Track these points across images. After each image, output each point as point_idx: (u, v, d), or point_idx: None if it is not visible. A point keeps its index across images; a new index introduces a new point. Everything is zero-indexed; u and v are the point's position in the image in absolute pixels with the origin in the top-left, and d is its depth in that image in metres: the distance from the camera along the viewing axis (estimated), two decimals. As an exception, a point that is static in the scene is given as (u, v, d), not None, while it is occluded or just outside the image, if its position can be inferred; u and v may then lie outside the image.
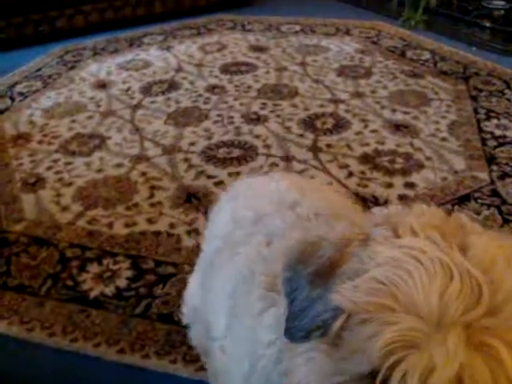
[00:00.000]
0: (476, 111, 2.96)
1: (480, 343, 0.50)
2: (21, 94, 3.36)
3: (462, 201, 2.24)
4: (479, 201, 2.25)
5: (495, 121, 2.86)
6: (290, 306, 0.65)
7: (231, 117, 2.96)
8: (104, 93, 3.31)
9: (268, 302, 0.83)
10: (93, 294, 1.85)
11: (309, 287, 0.62)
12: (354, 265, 0.59)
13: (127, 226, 2.15)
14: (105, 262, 1.98)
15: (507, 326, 0.51)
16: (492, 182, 2.37)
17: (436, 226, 0.59)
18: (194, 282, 1.42)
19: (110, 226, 2.16)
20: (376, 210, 0.67)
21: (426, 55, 3.70)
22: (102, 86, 3.41)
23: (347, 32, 4.18)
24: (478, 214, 2.18)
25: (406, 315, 0.52)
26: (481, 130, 2.77)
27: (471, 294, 0.52)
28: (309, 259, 0.64)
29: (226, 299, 0.98)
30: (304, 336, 0.62)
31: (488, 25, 3.88)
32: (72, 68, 3.72)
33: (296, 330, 0.63)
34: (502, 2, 3.94)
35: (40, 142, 2.79)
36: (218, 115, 2.98)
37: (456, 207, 2.21)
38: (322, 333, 0.61)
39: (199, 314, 1.27)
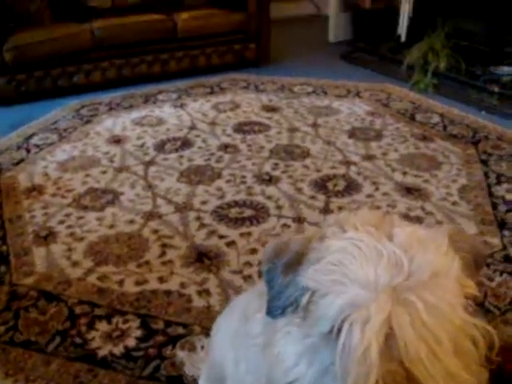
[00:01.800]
0: (486, 175, 2.97)
1: (403, 299, 0.68)
2: (36, 145, 3.42)
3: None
4: (492, 267, 2.23)
5: (505, 185, 2.87)
6: (270, 291, 0.83)
7: (243, 176, 2.98)
8: (118, 148, 3.36)
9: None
10: (101, 353, 1.82)
11: (282, 275, 0.81)
12: (315, 255, 0.78)
13: (138, 283, 2.14)
14: (114, 320, 1.96)
15: (420, 285, 0.69)
16: (504, 248, 2.36)
17: (372, 223, 0.78)
18: None
19: (121, 283, 2.15)
20: (330, 216, 0.80)
21: (436, 118, 3.76)
22: (117, 141, 3.47)
23: (358, 94, 4.27)
24: (491, 280, 2.16)
25: (352, 286, 0.70)
26: (491, 195, 2.78)
27: (396, 266, 0.71)
28: (282, 254, 0.83)
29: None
30: (281, 312, 0.82)
31: (496, 90, 3.96)
32: (88, 122, 3.79)
33: (275, 308, 0.83)
34: (510, 68, 4.03)
35: (53, 195, 2.82)
36: (231, 174, 3.00)
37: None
38: (294, 309, 0.80)
39: None
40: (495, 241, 2.40)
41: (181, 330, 1.90)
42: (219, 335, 1.24)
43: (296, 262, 0.80)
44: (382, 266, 0.71)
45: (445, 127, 3.61)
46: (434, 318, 0.68)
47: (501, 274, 2.20)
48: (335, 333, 0.70)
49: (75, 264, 2.27)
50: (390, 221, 0.81)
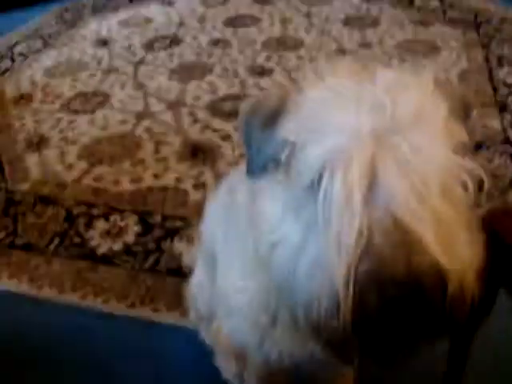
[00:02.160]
0: (487, 59, 2.88)
1: (387, 142, 0.64)
2: (21, 54, 3.30)
3: (474, 149, 2.20)
4: (491, 149, 2.21)
5: (507, 68, 2.79)
6: (248, 151, 0.80)
7: (236, 70, 2.90)
8: (105, 50, 3.25)
9: None
10: (101, 251, 1.83)
11: (260, 132, 0.77)
12: (293, 108, 0.74)
13: (133, 181, 2.13)
14: (112, 218, 1.96)
15: (404, 128, 0.65)
16: (504, 130, 2.32)
17: (353, 70, 0.74)
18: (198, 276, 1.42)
19: (116, 182, 2.13)
20: (307, 68, 0.78)
21: (435, 3, 3.61)
22: (104, 43, 3.35)
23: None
24: (490, 161, 2.13)
25: (333, 133, 0.67)
26: (492, 78, 2.71)
27: (378, 109, 0.66)
28: (258, 110, 0.78)
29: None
30: (262, 170, 0.79)
31: (499, -30, 3.76)
32: (72, 26, 3.64)
33: (255, 166, 0.79)
34: None
35: (42, 102, 2.75)
36: (223, 69, 2.93)
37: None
38: (274, 166, 0.77)
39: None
40: (495, 123, 2.37)
41: (178, 223, 1.91)
42: (209, 215, 1.23)
43: (274, 116, 0.75)
44: (364, 110, 0.66)
45: (444, 12, 3.48)
46: (420, 160, 0.64)
47: (500, 156, 2.17)
48: (316, 182, 0.67)
49: (69, 167, 2.25)
50: (372, 68, 0.75)
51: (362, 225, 0.63)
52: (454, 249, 0.64)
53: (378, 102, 0.67)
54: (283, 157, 0.74)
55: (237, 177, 1.01)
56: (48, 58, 3.20)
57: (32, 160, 2.31)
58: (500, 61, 2.87)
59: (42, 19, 3.78)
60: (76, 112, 2.63)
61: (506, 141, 2.26)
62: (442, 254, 0.61)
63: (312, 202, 0.68)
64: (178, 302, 1.62)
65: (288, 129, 0.73)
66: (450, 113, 0.72)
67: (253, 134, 0.78)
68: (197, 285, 1.41)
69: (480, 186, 0.69)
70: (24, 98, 2.79)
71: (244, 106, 0.82)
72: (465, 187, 0.67)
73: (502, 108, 2.48)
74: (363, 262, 0.62)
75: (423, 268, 0.60)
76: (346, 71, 0.74)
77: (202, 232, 1.29)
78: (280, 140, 0.74)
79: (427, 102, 0.69)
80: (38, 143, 2.41)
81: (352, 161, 0.64)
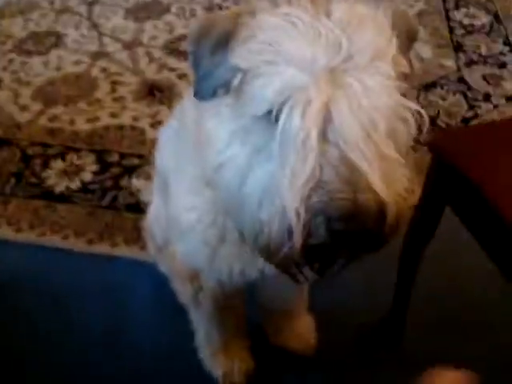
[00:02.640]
0: (445, 0, 2.89)
1: (342, 82, 0.66)
2: (-32, -7, 3.16)
3: (428, 88, 2.24)
4: (445, 87, 2.25)
5: (464, 9, 2.81)
6: (197, 74, 0.78)
7: (193, 9, 2.83)
8: (57, -11, 3.13)
9: None
10: (58, 190, 1.83)
11: (210, 55, 0.75)
12: (246, 32, 0.72)
13: (89, 121, 2.10)
14: (68, 157, 1.95)
15: (359, 68, 0.67)
16: (458, 69, 2.36)
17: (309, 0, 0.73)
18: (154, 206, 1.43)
19: (72, 122, 2.10)
20: None
21: None
22: (56, -18, 3.22)
23: None
24: (444, 99, 2.18)
25: (288, 67, 0.67)
26: (449, 19, 2.72)
27: (334, 47, 0.67)
28: (208, 32, 0.76)
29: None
30: (211, 93, 0.77)
31: None
32: (22, -35, 3.48)
33: (204, 89, 0.78)
34: None
35: (-7, 43, 2.66)
36: (179, 8, 2.85)
37: (422, 93, 2.20)
38: (225, 90, 0.76)
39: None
40: (450, 63, 2.40)
41: (136, 161, 1.91)
42: (161, 142, 1.23)
43: (224, 40, 0.73)
44: (320, 45, 0.67)
45: (403, -48, 3.44)
46: (371, 101, 0.67)
47: (454, 94, 2.22)
48: (273, 116, 0.68)
49: (24, 108, 2.20)
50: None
51: (316, 161, 0.66)
52: (395, 185, 0.69)
53: (333, 38, 0.67)
54: (235, 83, 0.74)
55: (187, 101, 1.01)
56: (-3, -2, 3.07)
57: (-16, 102, 2.25)
58: (457, 2, 2.88)
59: (-11, -43, 3.61)
60: (29, 53, 2.55)
61: (461, 80, 2.30)
62: (384, 191, 0.66)
63: (263, 130, 0.71)
64: (136, 237, 1.65)
65: (240, 55, 0.72)
66: (398, 45, 0.73)
67: (202, 57, 0.76)
68: (153, 215, 1.43)
69: (421, 125, 0.73)
70: (-27, 39, 2.69)
71: (193, 27, 0.80)
72: (407, 126, 0.71)
73: (457, 48, 2.51)
74: (314, 195, 0.66)
75: (367, 204, 0.66)
76: (302, 1, 0.73)
77: (157, 161, 1.30)
78: (231, 65, 0.73)
79: (381, 42, 0.71)
80: (-10, 84, 2.35)
81: (311, 99, 0.66)
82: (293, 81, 0.67)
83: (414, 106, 0.71)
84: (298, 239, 0.67)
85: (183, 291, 1.21)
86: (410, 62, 0.79)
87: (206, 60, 0.76)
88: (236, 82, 0.74)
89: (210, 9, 2.83)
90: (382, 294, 1.38)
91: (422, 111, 0.72)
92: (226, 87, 0.76)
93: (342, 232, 0.67)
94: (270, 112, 0.69)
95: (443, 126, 2.05)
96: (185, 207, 0.97)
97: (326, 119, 0.66)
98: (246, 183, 0.73)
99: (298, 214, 0.66)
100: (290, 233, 0.68)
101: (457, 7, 2.83)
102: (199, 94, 0.80)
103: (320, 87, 0.66)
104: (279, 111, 0.68)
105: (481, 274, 1.44)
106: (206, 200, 0.92)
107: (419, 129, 0.74)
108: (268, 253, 0.74)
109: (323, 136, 0.67)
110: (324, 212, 0.66)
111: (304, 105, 0.66)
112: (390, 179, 0.68)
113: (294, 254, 0.70)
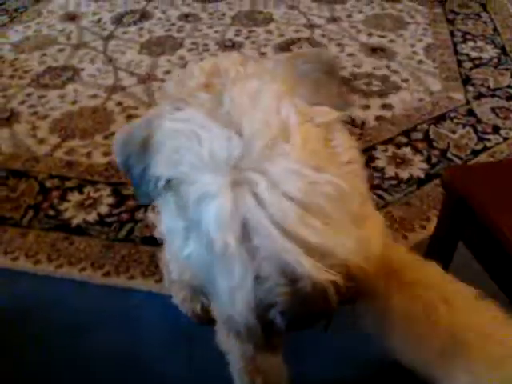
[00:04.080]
0: (452, 34, 2.95)
1: (244, 178, 0.66)
2: (-14, 29, 3.25)
3: (438, 121, 2.27)
4: (455, 120, 2.28)
5: (471, 43, 2.86)
6: (132, 181, 0.81)
7: (206, 44, 2.91)
8: (74, 25, 3.22)
9: None
10: (75, 222, 1.86)
11: (136, 164, 0.78)
12: (157, 139, 0.75)
13: (106, 154, 2.14)
14: (85, 190, 1.98)
15: (258, 157, 0.67)
16: (467, 102, 2.40)
17: (202, 84, 0.78)
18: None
19: (89, 155, 2.15)
20: (167, 83, 0.81)
21: (402, -21, 3.64)
22: (72, 18, 3.31)
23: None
24: (454, 132, 2.20)
25: (197, 174, 0.69)
26: (457, 53, 2.77)
27: (230, 140, 0.68)
28: (129, 143, 0.79)
29: None
30: (147, 197, 0.80)
31: None
32: (38, 1, 3.58)
33: (141, 196, 0.81)
34: None
35: (11, 77, 2.72)
36: (193, 43, 2.93)
37: (432, 127, 2.23)
38: (157, 194, 0.78)
39: None
40: (459, 96, 2.43)
41: (152, 194, 1.93)
42: None
43: (143, 149, 0.77)
44: (216, 146, 0.68)
45: (411, -13, 3.51)
46: (277, 192, 0.66)
47: (463, 127, 2.25)
48: (195, 225, 0.71)
49: (41, 141, 2.25)
50: (221, 68, 0.79)
51: (245, 262, 0.67)
52: (333, 258, 0.67)
53: (227, 132, 0.69)
54: (159, 188, 0.77)
55: None
56: (15, 33, 3.16)
57: (2, 135, 2.31)
58: (464, 36, 2.93)
59: (6, -7, 3.71)
60: (46, 87, 2.62)
61: (470, 112, 2.33)
62: (318, 274, 0.66)
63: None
64: (153, 269, 1.67)
65: (156, 165, 0.75)
66: (315, 89, 0.74)
67: (131, 167, 0.80)
68: (170, 254, 1.45)
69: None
70: (-8, 73, 2.76)
71: (116, 141, 0.84)
72: (328, 198, 0.69)
73: (466, 81, 2.55)
74: (258, 290, 0.68)
75: (306, 291, 0.66)
76: (197, 86, 0.77)
77: None
78: (154, 174, 0.76)
79: (273, 118, 0.70)
80: (9, 118, 2.40)
81: (222, 210, 0.67)
82: (203, 192, 0.69)
83: (327, 177, 0.69)
84: (256, 328, 0.70)
85: (227, 343, 1.19)
86: (339, 95, 0.79)
87: (134, 169, 0.80)
88: (160, 187, 0.76)
89: (222, 43, 2.90)
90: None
91: (336, 180, 0.69)
92: (157, 193, 0.78)
93: (296, 320, 0.69)
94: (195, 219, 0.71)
95: (453, 158, 2.07)
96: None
97: (244, 220, 0.67)
98: (211, 276, 0.73)
99: (249, 307, 0.68)
100: (250, 326, 0.70)
101: (464, 41, 2.88)
102: (141, 199, 0.84)
103: (225, 196, 0.67)
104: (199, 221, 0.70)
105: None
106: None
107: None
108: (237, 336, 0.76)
109: (247, 236, 0.67)
110: (272, 307, 0.68)
111: (216, 219, 0.67)
112: (327, 253, 0.67)
113: (257, 338, 0.72)
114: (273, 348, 0.80)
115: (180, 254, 0.79)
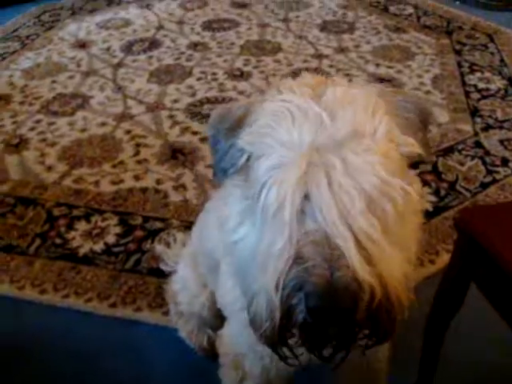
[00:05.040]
0: (459, 65, 2.96)
1: (322, 159, 0.70)
2: (-2, 55, 3.28)
3: (446, 152, 2.27)
4: (463, 152, 2.28)
5: (479, 74, 2.87)
6: (215, 156, 0.85)
7: (214, 73, 2.93)
8: (84, 52, 3.25)
9: None
10: (82, 251, 1.85)
11: (225, 139, 0.82)
12: (252, 118, 0.79)
13: (114, 183, 2.15)
14: (93, 219, 1.98)
15: (341, 145, 0.70)
16: (476, 134, 2.40)
17: (309, 84, 0.80)
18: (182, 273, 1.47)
19: (97, 184, 2.15)
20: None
21: (409, 10, 3.68)
22: (82, 45, 3.34)
23: (329, -13, 4.12)
24: (462, 164, 2.20)
25: (279, 148, 0.72)
26: (464, 84, 2.78)
27: (319, 126, 0.72)
28: (225, 119, 0.83)
29: None
30: (223, 174, 0.83)
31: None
32: (50, 28, 3.62)
33: (218, 171, 0.84)
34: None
35: (21, 104, 2.75)
36: (202, 72, 2.95)
37: (441, 159, 2.23)
38: (234, 171, 0.81)
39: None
40: (467, 128, 2.44)
41: (159, 224, 1.94)
42: (207, 224, 1.23)
43: (236, 126, 0.80)
44: (306, 126, 0.72)
45: (418, 18, 3.55)
46: (352, 180, 0.69)
47: (472, 159, 2.24)
48: (260, 189, 0.73)
49: (50, 169, 2.26)
50: (329, 82, 0.82)
51: (292, 236, 0.69)
52: (379, 265, 0.68)
53: (320, 119, 0.73)
54: (240, 164, 0.80)
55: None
56: (26, 60, 3.19)
57: (11, 161, 2.31)
58: (472, 67, 2.94)
59: (18, 20, 3.76)
60: (55, 114, 2.64)
61: (478, 144, 2.33)
62: (363, 270, 0.66)
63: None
64: (159, 302, 1.66)
65: (245, 138, 0.78)
66: (406, 127, 0.77)
67: (219, 141, 0.83)
68: (179, 281, 1.45)
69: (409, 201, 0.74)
70: (2, 99, 2.78)
71: (213, 114, 0.87)
72: (394, 204, 0.71)
73: (474, 112, 2.55)
74: (293, 270, 0.68)
75: (343, 280, 0.66)
76: (304, 85, 0.79)
77: (194, 234, 1.33)
78: (239, 148, 0.79)
79: (366, 120, 0.74)
80: (18, 145, 2.42)
81: (287, 176, 0.70)
82: (280, 160, 0.72)
83: (400, 182, 0.71)
84: (275, 313, 0.69)
85: (227, 379, 1.18)
86: (424, 143, 0.81)
87: (221, 144, 0.83)
88: (242, 162, 0.79)
89: (230, 73, 2.92)
90: (406, 368, 1.37)
91: (408, 188, 0.72)
92: (235, 168, 0.81)
93: (319, 310, 0.67)
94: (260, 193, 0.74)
95: (462, 191, 2.06)
96: (226, 289, 1.00)
97: (306, 198, 0.69)
98: (253, 260, 0.75)
99: (277, 285, 0.68)
100: (272, 307, 0.70)
101: (471, 71, 2.89)
102: (216, 175, 0.86)
103: (297, 165, 0.69)
104: (264, 184, 0.72)
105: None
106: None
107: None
108: (254, 326, 0.75)
109: (303, 213, 0.70)
110: (302, 288, 0.67)
111: (280, 182, 0.70)
112: (374, 259, 0.68)
113: (274, 330, 0.71)
114: (285, 358, 0.80)
115: (230, 238, 0.81)
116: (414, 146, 0.77)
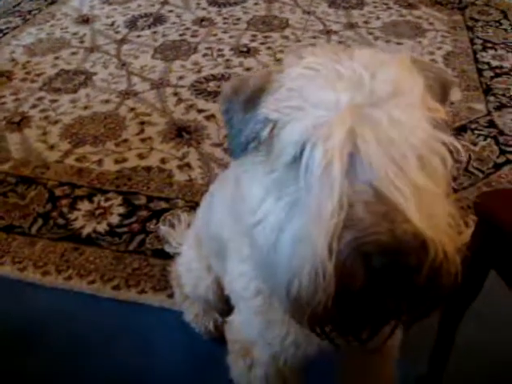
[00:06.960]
0: (472, 42, 2.89)
1: (366, 115, 0.65)
2: (0, 30, 3.22)
3: (459, 132, 2.21)
4: (476, 132, 2.22)
5: (492, 51, 2.80)
6: (230, 131, 0.79)
7: (221, 49, 2.88)
8: (87, 28, 3.19)
9: None
10: (85, 232, 1.82)
11: (242, 112, 0.76)
12: (274, 87, 0.73)
13: (117, 162, 2.11)
14: (96, 199, 1.94)
15: (383, 101, 0.66)
16: (489, 113, 2.33)
17: (331, 50, 0.74)
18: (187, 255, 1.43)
19: (100, 162, 2.11)
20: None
21: (421, -16, 3.59)
22: (85, 20, 3.28)
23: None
24: (475, 144, 2.14)
25: (313, 109, 0.67)
26: (477, 61, 2.71)
27: (357, 84, 0.67)
28: (240, 91, 0.77)
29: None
30: (242, 150, 0.77)
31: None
32: (52, 3, 3.56)
33: (236, 147, 0.78)
34: None
35: (23, 80, 2.70)
36: (207, 48, 2.90)
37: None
38: (256, 144, 0.75)
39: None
40: (480, 106, 2.37)
41: (163, 204, 1.89)
42: (214, 207, 1.18)
43: (256, 96, 0.75)
44: (342, 85, 0.67)
45: (430, -7, 3.46)
46: (399, 133, 0.65)
47: (485, 139, 2.19)
48: (298, 156, 0.68)
49: (52, 147, 2.21)
50: (351, 49, 0.76)
51: (342, 195, 0.63)
52: (434, 219, 0.64)
53: (356, 76, 0.68)
54: (264, 135, 0.74)
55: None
56: (28, 36, 3.13)
57: (13, 140, 2.27)
58: (485, 44, 2.87)
59: (20, -5, 3.69)
60: (58, 91, 2.59)
61: (491, 123, 2.27)
62: (423, 222, 0.62)
63: (294, 179, 0.69)
64: (164, 284, 1.62)
65: (269, 106, 0.73)
66: (427, 90, 0.72)
67: (234, 115, 0.78)
68: (183, 263, 1.41)
69: (457, 160, 0.70)
70: (4, 76, 2.73)
71: (225, 87, 0.82)
72: (443, 160, 0.68)
73: (487, 91, 2.49)
74: (346, 232, 0.62)
75: (406, 235, 0.61)
76: (326, 51, 0.74)
77: (199, 216, 1.28)
78: (262, 118, 0.73)
79: (404, 78, 0.70)
80: (19, 122, 2.37)
81: (332, 132, 0.65)
82: (317, 120, 0.67)
83: (449, 138, 0.68)
84: (329, 282, 0.62)
85: (235, 367, 1.14)
86: (445, 109, 0.76)
87: (238, 117, 0.77)
88: (265, 134, 0.74)
89: (237, 49, 2.86)
90: (416, 356, 1.33)
91: (458, 145, 0.69)
92: (257, 141, 0.76)
93: (383, 271, 0.61)
94: (296, 157, 0.69)
95: (475, 172, 2.01)
96: (235, 275, 0.96)
97: (353, 153, 0.65)
98: (282, 237, 0.69)
99: (329, 253, 0.62)
100: (326, 278, 0.62)
101: (484, 48, 2.82)
102: (232, 151, 0.81)
103: (341, 120, 0.65)
104: (302, 150, 0.67)
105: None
106: (252, 266, 0.89)
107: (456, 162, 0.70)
108: (299, 307, 0.67)
109: (351, 171, 0.65)
110: (360, 249, 0.61)
111: (326, 137, 0.65)
112: (429, 212, 0.64)
113: (327, 302, 0.64)
114: (332, 340, 0.75)
115: (249, 220, 0.76)
116: (441, 112, 0.72)
